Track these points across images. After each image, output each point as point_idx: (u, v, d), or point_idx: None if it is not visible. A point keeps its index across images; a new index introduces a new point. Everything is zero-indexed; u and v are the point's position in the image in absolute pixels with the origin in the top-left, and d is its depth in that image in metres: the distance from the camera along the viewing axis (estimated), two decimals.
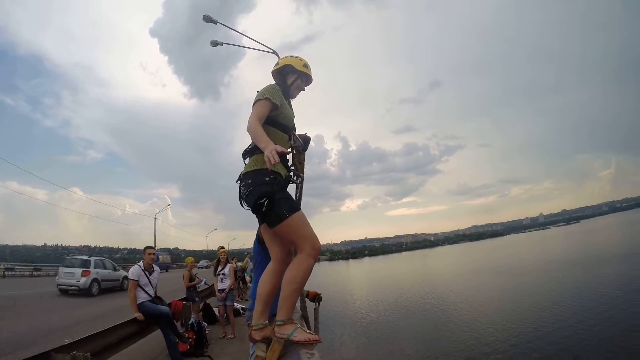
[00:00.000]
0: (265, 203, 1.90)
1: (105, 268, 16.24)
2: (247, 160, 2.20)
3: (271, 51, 10.10)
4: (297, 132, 2.54)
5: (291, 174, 2.31)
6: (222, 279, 7.77)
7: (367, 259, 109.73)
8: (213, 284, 8.56)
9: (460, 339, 11.05)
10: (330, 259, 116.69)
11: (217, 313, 8.74)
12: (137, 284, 5.36)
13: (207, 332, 7.28)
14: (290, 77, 2.43)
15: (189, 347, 6.16)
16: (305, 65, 2.43)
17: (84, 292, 14.23)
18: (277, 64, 2.49)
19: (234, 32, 11.23)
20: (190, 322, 6.98)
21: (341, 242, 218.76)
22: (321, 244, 2.04)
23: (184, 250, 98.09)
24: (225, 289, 7.65)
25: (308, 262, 1.91)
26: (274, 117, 2.20)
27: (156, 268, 5.89)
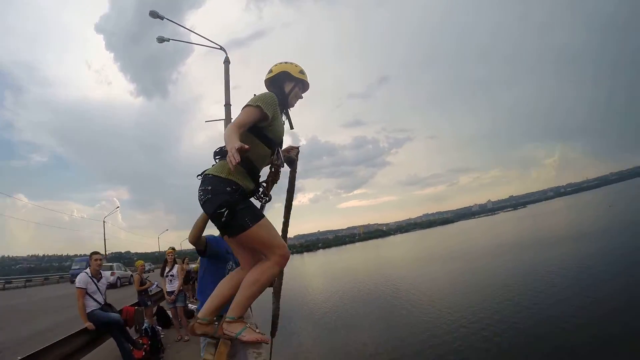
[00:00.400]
0: (225, 213, 1.79)
1: (121, 270, 24.95)
2: (217, 160, 2.07)
3: (219, 47, 9.90)
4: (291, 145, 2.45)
5: (260, 189, 2.16)
6: (170, 281, 7.61)
7: (321, 251, 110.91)
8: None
9: (414, 323, 11.48)
10: None
11: (171, 316, 8.55)
12: (85, 292, 5.14)
13: (162, 336, 7.10)
14: (288, 85, 2.26)
15: (144, 353, 5.98)
16: (302, 72, 2.28)
17: (111, 286, 19.64)
18: (270, 71, 2.29)
19: (181, 28, 10.81)
20: (143, 327, 6.78)
21: (295, 236, 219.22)
22: None
23: (136, 254, 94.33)
24: (174, 290, 7.51)
25: (274, 270, 1.89)
26: (261, 128, 2.03)
27: (104, 274, 5.66)
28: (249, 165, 1.94)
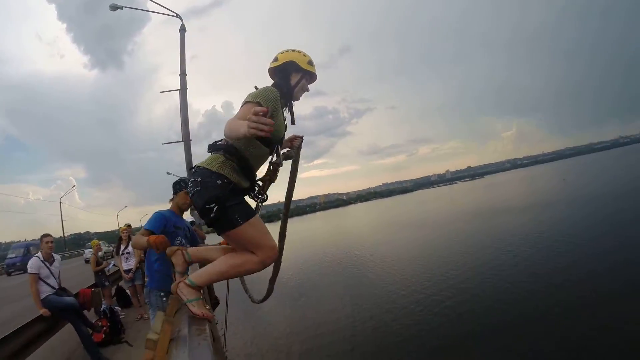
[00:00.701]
0: (215, 209, 1.72)
1: (105, 246, 24.12)
2: (212, 154, 1.94)
3: (174, 15, 9.39)
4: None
5: (256, 188, 2.05)
6: (127, 259, 7.43)
7: None
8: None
9: (375, 291, 12.04)
10: None
11: (130, 295, 8.42)
12: (38, 277, 4.94)
13: (121, 316, 7.01)
14: (294, 77, 2.09)
15: (104, 335, 5.92)
16: (310, 63, 2.08)
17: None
18: (276, 59, 2.09)
19: None
20: (102, 309, 6.65)
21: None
22: None
23: (96, 233, 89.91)
24: (131, 268, 7.37)
25: (256, 266, 1.86)
26: None
27: (57, 257, 5.44)
28: (243, 163, 1.87)
